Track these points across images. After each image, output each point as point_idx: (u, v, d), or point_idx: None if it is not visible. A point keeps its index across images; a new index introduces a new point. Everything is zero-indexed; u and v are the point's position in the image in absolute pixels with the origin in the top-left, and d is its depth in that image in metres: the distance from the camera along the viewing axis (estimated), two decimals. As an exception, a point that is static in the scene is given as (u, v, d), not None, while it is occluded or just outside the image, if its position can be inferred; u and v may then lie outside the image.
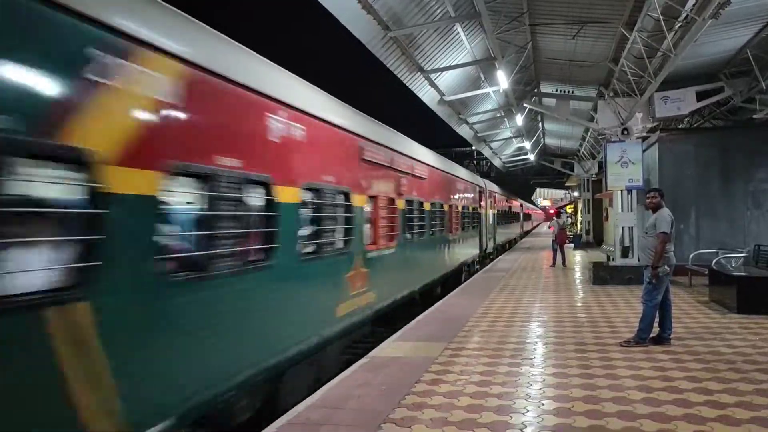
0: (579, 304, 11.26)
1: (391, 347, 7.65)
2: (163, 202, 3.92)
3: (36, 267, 3.09)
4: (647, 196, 8.02)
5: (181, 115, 4.13)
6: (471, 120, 22.86)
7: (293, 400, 5.67)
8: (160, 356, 3.88)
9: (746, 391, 5.46)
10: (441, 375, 6.20)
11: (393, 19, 12.24)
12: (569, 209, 54.78)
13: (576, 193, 44.70)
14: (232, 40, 5.26)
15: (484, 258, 21.96)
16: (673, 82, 14.25)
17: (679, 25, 10.37)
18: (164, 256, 3.94)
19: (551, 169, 40.45)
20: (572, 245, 29.00)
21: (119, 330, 3.52)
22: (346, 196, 7.37)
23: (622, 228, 15.51)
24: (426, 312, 10.56)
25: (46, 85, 3.13)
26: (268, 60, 5.93)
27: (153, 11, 4.12)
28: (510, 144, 33.39)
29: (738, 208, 16.27)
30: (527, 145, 30.18)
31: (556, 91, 19.80)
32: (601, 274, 14.53)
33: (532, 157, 35.06)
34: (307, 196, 6.18)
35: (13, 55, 2.95)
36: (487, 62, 16.00)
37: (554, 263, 19.96)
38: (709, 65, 14.21)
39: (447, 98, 18.07)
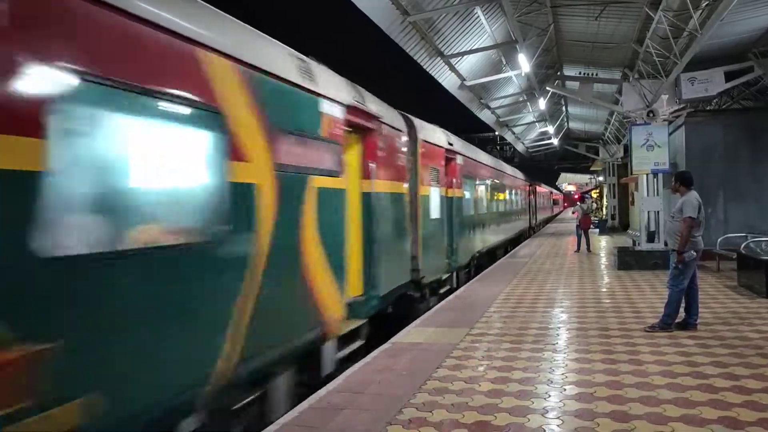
0: (603, 290, 11.15)
1: (412, 333, 7.67)
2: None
3: None
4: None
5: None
6: (493, 105, 22.65)
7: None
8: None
9: (774, 376, 5.36)
10: (462, 360, 6.20)
11: (412, 3, 12.12)
12: (594, 194, 54.15)
13: (601, 178, 44.13)
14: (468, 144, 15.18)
15: (532, 228, 32.46)
16: (701, 63, 13.88)
17: (705, 3, 10.10)
18: None
19: (576, 154, 39.95)
20: (597, 230, 28.70)
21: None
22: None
23: (648, 212, 15.26)
24: (447, 298, 10.55)
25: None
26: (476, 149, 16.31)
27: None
28: (533, 128, 33.03)
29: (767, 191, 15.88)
30: (551, 129, 29.83)
31: (580, 73, 19.48)
32: (626, 259, 14.33)
33: (555, 141, 34.66)
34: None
35: None
36: (508, 46, 15.81)
37: (578, 248, 19.78)
38: (737, 44, 13.83)
39: (468, 83, 17.91)
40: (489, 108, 22.72)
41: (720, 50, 13.78)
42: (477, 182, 15.28)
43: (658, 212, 15.07)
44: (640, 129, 15.02)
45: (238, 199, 4.40)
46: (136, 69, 3.46)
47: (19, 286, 2.76)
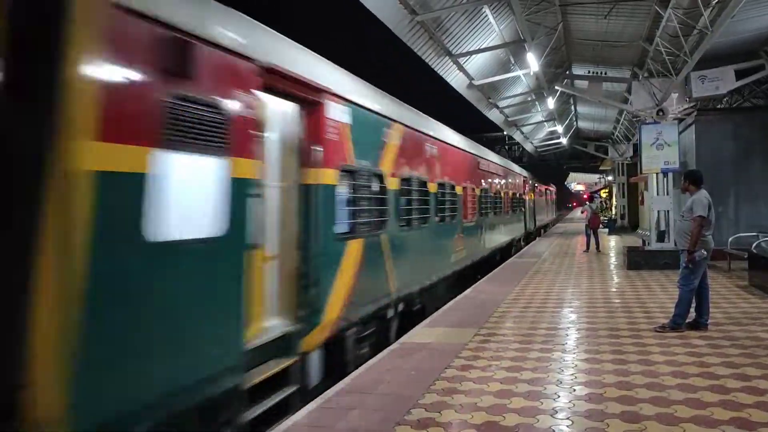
0: (613, 290, 11.09)
1: (421, 333, 7.66)
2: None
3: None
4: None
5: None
6: (501, 104, 22.57)
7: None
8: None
9: (786, 377, 5.31)
10: (471, 361, 6.18)
11: (419, 2, 12.09)
12: (603, 194, 53.89)
13: (610, 177, 43.92)
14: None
15: (554, 222, 46.54)
16: (711, 61, 13.78)
17: (716, 0, 10.02)
18: None
19: (585, 153, 39.77)
20: (606, 230, 28.57)
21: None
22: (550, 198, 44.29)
23: (658, 212, 15.16)
24: (456, 298, 10.53)
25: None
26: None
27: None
28: (542, 128, 32.91)
29: (780, 190, 15.75)
30: (559, 128, 29.71)
31: (589, 72, 19.39)
32: (636, 259, 14.24)
33: (564, 141, 34.51)
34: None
35: None
36: (516, 45, 15.75)
37: (588, 248, 19.70)
38: (748, 42, 13.72)
39: (476, 82, 17.85)
40: (497, 107, 22.65)
41: (731, 48, 13.67)
42: (538, 192, 31.20)
43: (668, 211, 14.97)
44: (650, 128, 14.94)
45: (522, 204, 23.03)
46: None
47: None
